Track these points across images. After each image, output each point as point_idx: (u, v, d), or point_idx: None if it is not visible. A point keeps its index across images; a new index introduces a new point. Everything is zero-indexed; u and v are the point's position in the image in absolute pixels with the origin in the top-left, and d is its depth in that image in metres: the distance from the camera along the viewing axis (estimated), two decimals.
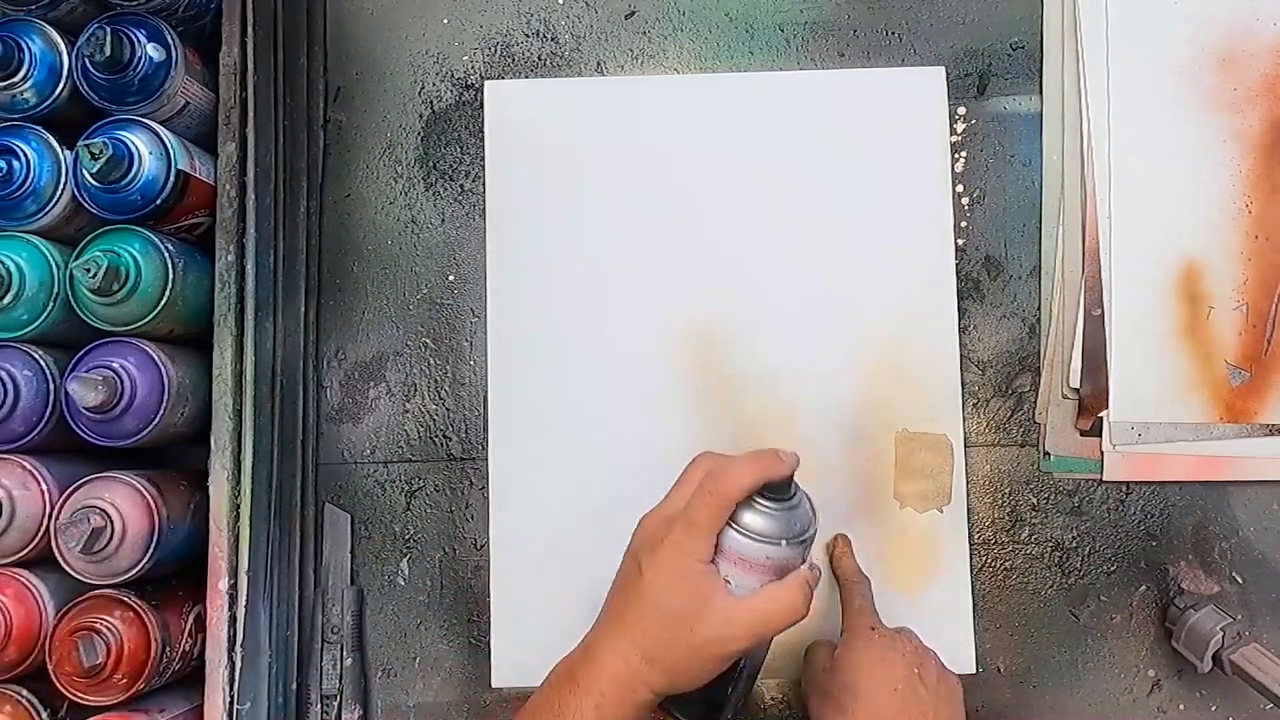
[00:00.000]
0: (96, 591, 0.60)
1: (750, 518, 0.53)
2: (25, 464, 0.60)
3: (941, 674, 0.61)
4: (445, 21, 0.76)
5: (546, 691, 0.55)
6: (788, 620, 0.52)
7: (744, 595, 0.53)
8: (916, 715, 0.58)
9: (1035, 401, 0.72)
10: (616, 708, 0.53)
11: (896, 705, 0.59)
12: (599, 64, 0.75)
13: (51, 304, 0.61)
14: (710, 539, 0.53)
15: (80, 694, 0.59)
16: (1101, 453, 0.70)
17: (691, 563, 0.53)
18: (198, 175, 0.65)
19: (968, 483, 0.71)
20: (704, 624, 0.52)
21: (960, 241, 0.73)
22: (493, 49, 0.76)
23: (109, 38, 0.60)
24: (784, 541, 0.53)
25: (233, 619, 0.64)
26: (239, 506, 0.65)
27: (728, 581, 0.53)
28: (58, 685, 0.59)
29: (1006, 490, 0.72)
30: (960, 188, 0.73)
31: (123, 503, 0.60)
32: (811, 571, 0.54)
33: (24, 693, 0.60)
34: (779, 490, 0.54)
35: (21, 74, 0.62)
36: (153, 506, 0.61)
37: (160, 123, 0.64)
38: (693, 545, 0.53)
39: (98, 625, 0.59)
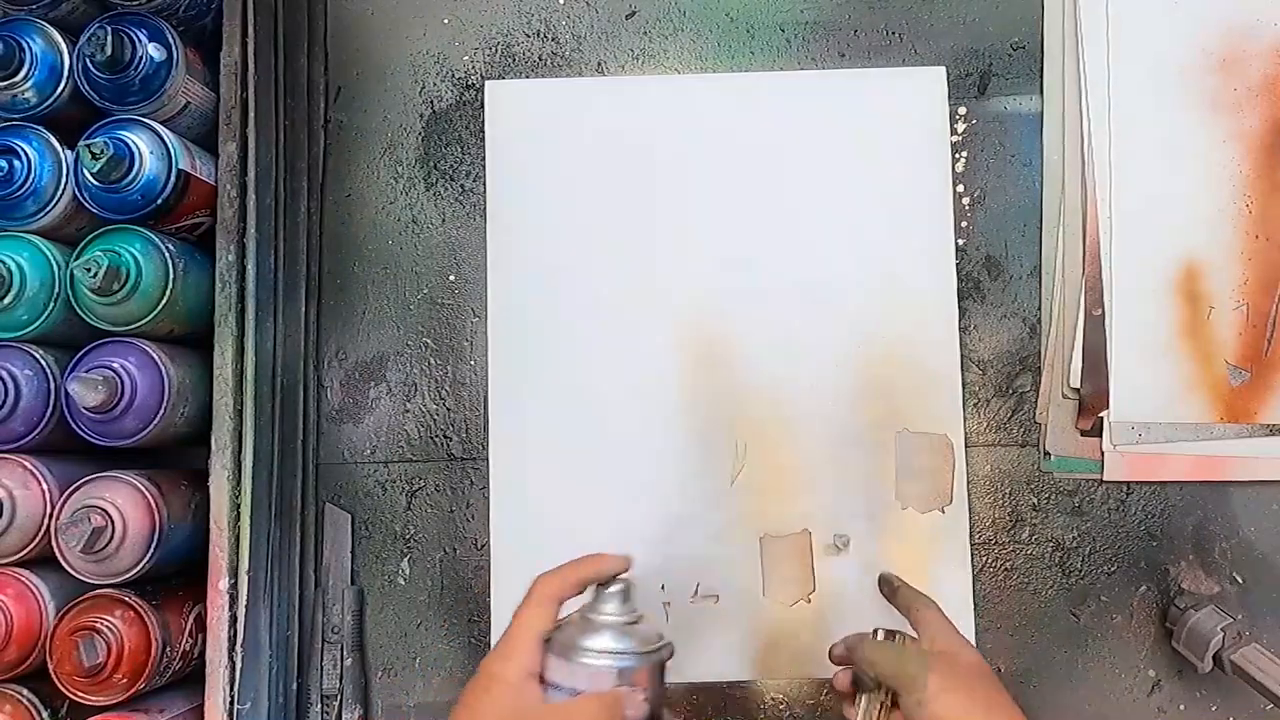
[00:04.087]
0: (97, 591, 0.60)
1: (577, 630, 0.51)
2: (26, 464, 0.60)
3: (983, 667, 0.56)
4: (445, 21, 0.76)
5: None
6: None
7: (558, 701, 0.50)
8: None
9: (1035, 401, 0.72)
10: None
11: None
12: (599, 64, 0.75)
13: (52, 304, 0.61)
14: (532, 647, 0.51)
15: (81, 693, 0.59)
16: (1102, 453, 0.70)
17: (513, 672, 0.50)
18: (198, 175, 0.65)
19: (968, 483, 0.71)
20: None
21: (960, 241, 0.73)
22: (493, 49, 0.76)
23: (110, 37, 0.60)
24: (614, 653, 0.51)
25: (233, 619, 0.64)
26: (239, 506, 0.65)
27: (552, 689, 0.50)
28: (58, 685, 0.59)
29: (1007, 490, 0.72)
30: (960, 188, 0.73)
31: (123, 502, 0.60)
32: (633, 692, 0.51)
33: (24, 692, 0.60)
34: (615, 599, 0.52)
35: (22, 74, 0.62)
36: (153, 506, 0.61)
37: (161, 123, 0.64)
38: (515, 656, 0.50)
39: (98, 625, 0.59)
